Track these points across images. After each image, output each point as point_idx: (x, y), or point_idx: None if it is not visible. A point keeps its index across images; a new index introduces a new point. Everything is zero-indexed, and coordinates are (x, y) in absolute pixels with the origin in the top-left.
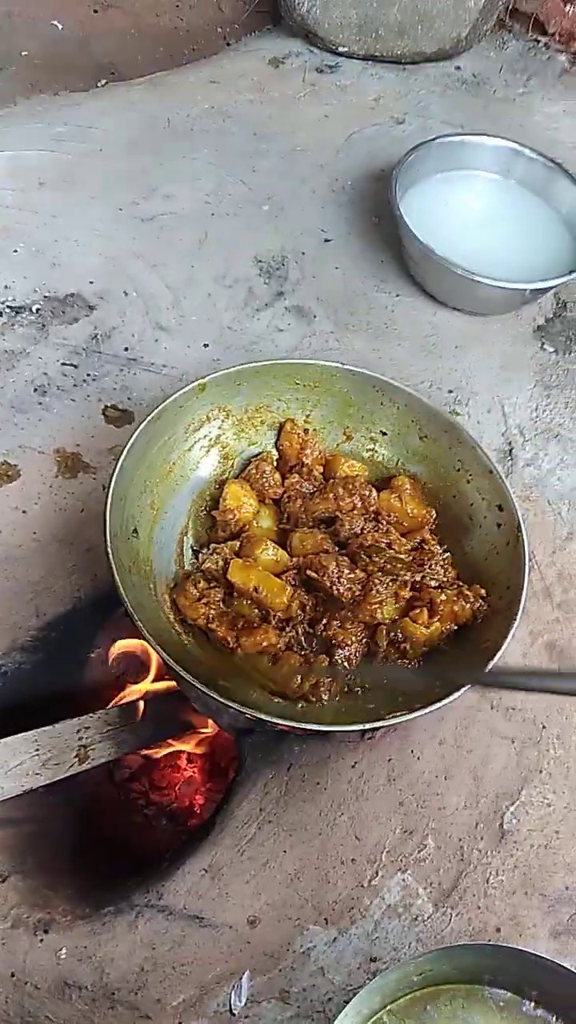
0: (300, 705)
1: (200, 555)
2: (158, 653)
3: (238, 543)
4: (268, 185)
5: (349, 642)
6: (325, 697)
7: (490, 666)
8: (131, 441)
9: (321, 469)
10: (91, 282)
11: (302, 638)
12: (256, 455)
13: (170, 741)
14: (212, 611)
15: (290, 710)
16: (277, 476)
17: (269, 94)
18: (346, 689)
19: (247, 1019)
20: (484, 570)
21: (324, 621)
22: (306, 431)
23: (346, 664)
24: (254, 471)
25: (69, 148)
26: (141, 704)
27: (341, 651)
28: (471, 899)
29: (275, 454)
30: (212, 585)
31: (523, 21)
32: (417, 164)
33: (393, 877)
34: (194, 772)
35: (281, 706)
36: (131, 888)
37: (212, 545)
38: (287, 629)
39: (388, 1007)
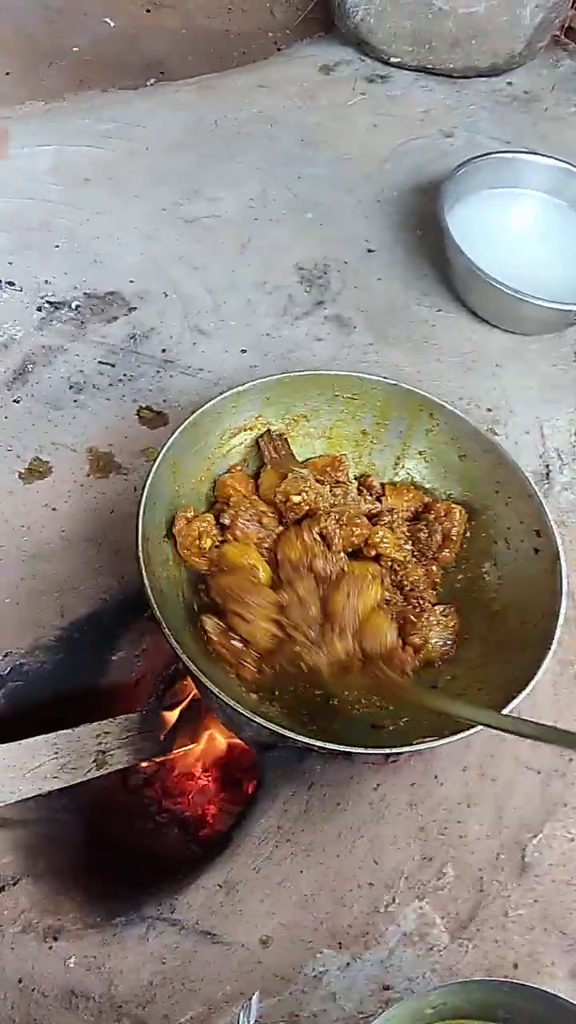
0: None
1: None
2: (182, 660)
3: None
4: (313, 192)
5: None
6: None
7: (521, 696)
8: (166, 446)
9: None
10: (131, 281)
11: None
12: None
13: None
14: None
15: (314, 728)
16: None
17: (318, 101)
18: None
19: None
20: (517, 596)
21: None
22: (342, 456)
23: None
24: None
25: (115, 145)
26: (165, 715)
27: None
28: (488, 932)
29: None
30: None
31: None
32: (467, 178)
33: (410, 904)
34: (208, 781)
35: (305, 724)
36: (143, 899)
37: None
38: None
39: None
